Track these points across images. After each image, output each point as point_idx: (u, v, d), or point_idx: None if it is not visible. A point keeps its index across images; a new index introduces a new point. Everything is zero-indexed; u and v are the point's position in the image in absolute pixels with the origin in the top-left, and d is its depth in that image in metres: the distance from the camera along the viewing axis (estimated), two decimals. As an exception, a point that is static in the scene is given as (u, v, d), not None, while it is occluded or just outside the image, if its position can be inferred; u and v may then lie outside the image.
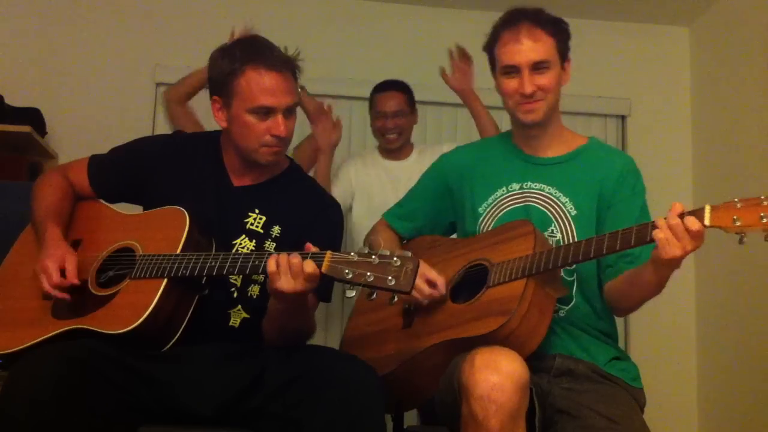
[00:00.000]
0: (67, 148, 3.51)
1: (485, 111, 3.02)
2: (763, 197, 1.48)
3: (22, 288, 1.88)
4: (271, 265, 1.59)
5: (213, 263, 1.70)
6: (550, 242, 1.85)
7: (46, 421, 1.50)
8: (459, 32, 4.09)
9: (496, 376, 1.53)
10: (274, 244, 1.87)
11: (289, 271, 1.58)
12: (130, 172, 1.97)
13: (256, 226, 1.88)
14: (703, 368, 3.92)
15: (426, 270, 1.79)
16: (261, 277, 1.84)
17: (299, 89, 2.22)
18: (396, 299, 1.91)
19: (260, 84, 1.79)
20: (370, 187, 3.17)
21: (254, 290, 1.86)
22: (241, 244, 1.86)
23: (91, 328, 1.70)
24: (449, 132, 4.01)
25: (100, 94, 3.79)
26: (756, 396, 3.38)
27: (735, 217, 1.49)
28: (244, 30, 2.76)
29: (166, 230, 1.81)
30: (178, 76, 3.81)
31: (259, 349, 1.80)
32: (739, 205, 1.50)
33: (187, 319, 1.74)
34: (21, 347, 1.74)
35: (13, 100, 3.44)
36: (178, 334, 1.74)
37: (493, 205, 1.96)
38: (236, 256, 1.70)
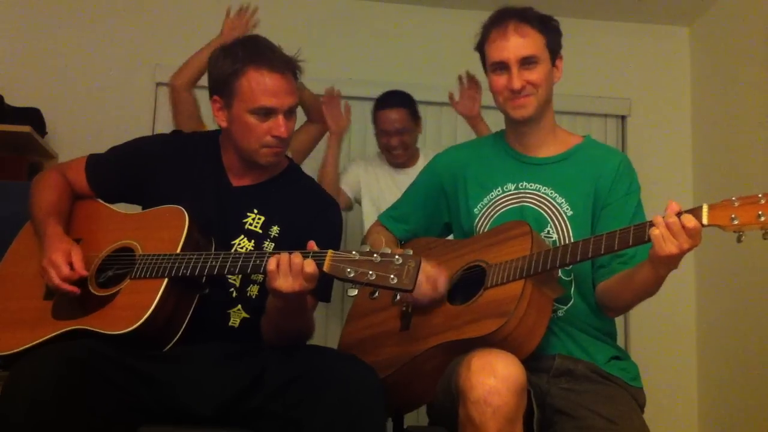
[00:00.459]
0: (67, 148, 3.51)
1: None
2: (760, 195, 1.48)
3: (22, 288, 1.88)
4: (271, 264, 1.59)
5: (214, 263, 1.70)
6: (547, 243, 1.85)
7: (46, 421, 1.50)
8: (459, 32, 4.09)
9: (493, 379, 1.53)
10: (273, 244, 1.87)
11: (289, 270, 1.58)
12: (129, 171, 1.97)
13: (255, 227, 1.88)
14: (703, 368, 3.92)
15: (427, 269, 1.79)
16: (260, 277, 1.84)
17: (301, 85, 2.22)
18: (398, 298, 1.91)
19: (262, 85, 1.79)
20: (380, 196, 3.19)
21: (253, 290, 1.86)
22: (239, 244, 1.86)
23: (91, 328, 1.70)
24: (449, 132, 4.01)
25: (100, 94, 3.79)
26: (756, 396, 3.38)
27: (733, 215, 1.49)
28: (240, 10, 2.84)
29: (165, 230, 1.81)
30: (178, 77, 3.83)
31: (259, 349, 1.80)
32: (736, 204, 1.50)
33: (187, 319, 1.74)
34: (21, 348, 1.73)
35: (13, 100, 3.44)
36: (179, 334, 1.74)
37: (488, 205, 1.96)
38: (237, 255, 1.70)
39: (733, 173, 3.69)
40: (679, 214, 1.55)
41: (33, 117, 3.43)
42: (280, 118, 1.82)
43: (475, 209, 1.97)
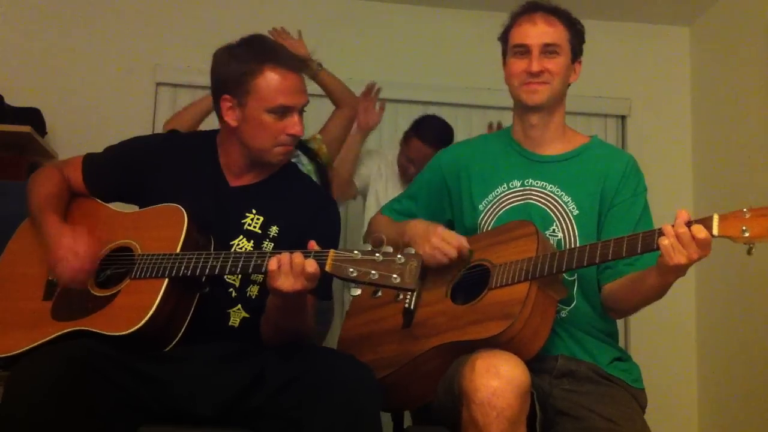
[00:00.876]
0: (67, 148, 3.50)
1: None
2: None
3: (20, 288, 1.87)
4: (273, 264, 1.59)
5: (214, 263, 1.69)
6: (552, 241, 1.85)
7: (47, 421, 1.50)
8: (459, 32, 4.11)
9: (497, 381, 1.52)
10: (272, 244, 1.86)
11: (290, 270, 1.58)
12: (125, 171, 1.96)
13: (254, 227, 1.88)
14: (703, 368, 3.92)
15: (446, 235, 1.82)
16: (260, 277, 1.83)
17: (319, 66, 2.20)
18: (401, 296, 1.90)
19: (279, 84, 1.80)
20: (386, 199, 3.20)
21: (253, 290, 1.86)
22: (239, 244, 1.85)
23: (92, 329, 1.69)
24: (449, 132, 4.01)
25: (100, 94, 3.80)
26: (756, 396, 3.38)
27: (744, 227, 1.48)
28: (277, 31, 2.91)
29: (164, 229, 1.80)
30: (178, 76, 3.84)
31: (259, 349, 1.79)
32: (747, 215, 1.48)
33: (188, 319, 1.74)
34: (21, 350, 1.73)
35: (13, 100, 3.44)
36: (180, 334, 1.73)
37: (493, 202, 1.95)
38: (237, 255, 1.70)
39: (733, 173, 3.69)
40: (688, 224, 1.53)
41: (33, 117, 3.43)
42: (296, 116, 1.83)
43: (480, 205, 1.96)
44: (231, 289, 1.84)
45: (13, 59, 3.73)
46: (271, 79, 1.80)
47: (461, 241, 1.83)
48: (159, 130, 3.66)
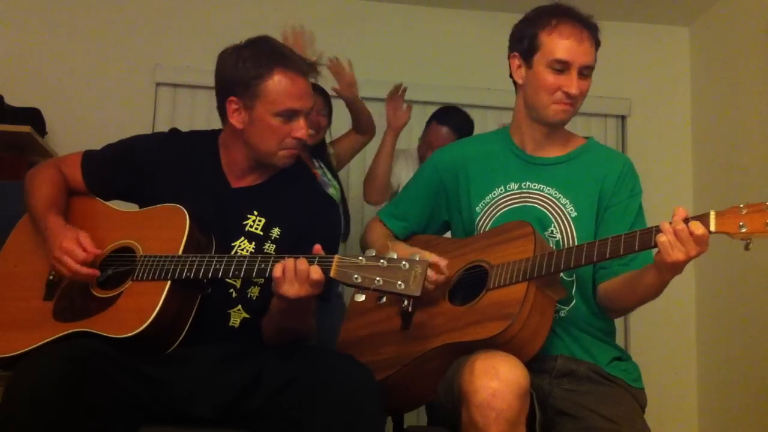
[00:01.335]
0: (67, 148, 3.47)
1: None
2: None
3: (20, 288, 1.86)
4: (277, 270, 1.60)
5: (218, 266, 1.69)
6: (550, 243, 1.85)
7: (47, 421, 1.50)
8: (459, 32, 4.11)
9: (496, 382, 1.52)
10: (274, 245, 1.86)
11: (294, 277, 1.58)
12: (125, 169, 1.95)
13: (256, 228, 1.87)
14: (703, 368, 3.92)
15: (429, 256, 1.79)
16: (261, 279, 1.83)
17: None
18: (406, 303, 1.90)
19: (289, 87, 1.80)
20: None
21: (254, 291, 1.86)
22: (240, 246, 1.85)
23: (95, 331, 1.69)
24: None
25: (100, 94, 3.80)
26: (756, 396, 3.38)
27: (741, 223, 1.48)
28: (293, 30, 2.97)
29: (165, 229, 1.80)
30: (178, 76, 3.84)
31: (258, 350, 1.79)
32: (744, 211, 1.49)
33: (190, 320, 1.74)
34: (22, 351, 1.72)
35: (13, 100, 3.44)
36: (182, 335, 1.73)
37: (490, 204, 1.94)
38: (241, 259, 1.69)
39: (733, 173, 3.69)
40: (686, 221, 1.54)
41: (33, 117, 3.43)
42: (302, 120, 1.83)
43: (477, 207, 1.96)
44: (231, 290, 1.84)
45: (13, 59, 3.73)
46: (280, 82, 1.80)
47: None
48: (159, 130, 3.66)
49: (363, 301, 2.02)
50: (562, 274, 1.83)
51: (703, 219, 1.53)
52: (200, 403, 1.71)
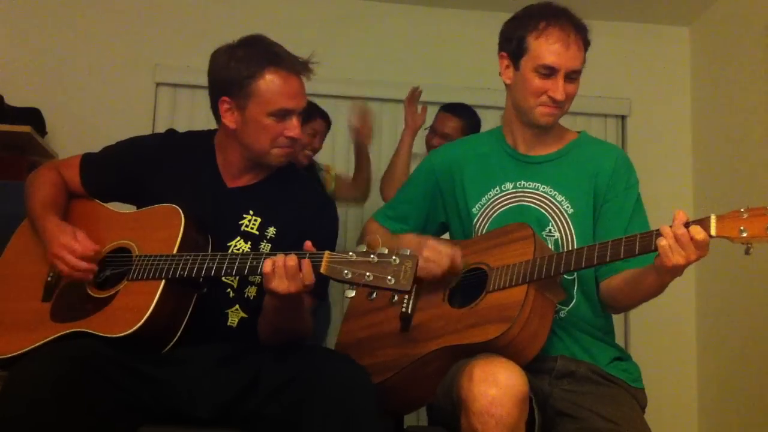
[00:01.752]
0: (67, 148, 3.50)
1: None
2: None
3: (19, 289, 1.87)
4: (267, 266, 1.59)
5: (210, 264, 1.69)
6: (549, 241, 1.85)
7: (46, 421, 1.49)
8: (459, 32, 4.11)
9: (495, 389, 1.52)
10: (270, 245, 1.86)
11: (284, 273, 1.58)
12: (123, 171, 1.96)
13: (251, 228, 1.87)
14: (703, 368, 3.92)
15: (441, 246, 1.80)
16: (258, 278, 1.83)
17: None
18: (396, 298, 1.90)
19: (281, 87, 1.80)
20: None
21: (251, 291, 1.86)
22: (236, 245, 1.85)
23: (90, 331, 1.69)
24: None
25: (100, 94, 3.79)
26: (756, 396, 3.38)
27: (741, 227, 1.48)
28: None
29: (161, 229, 1.80)
30: (178, 76, 3.84)
31: (256, 351, 1.79)
32: (745, 215, 1.48)
33: (186, 319, 1.74)
34: (20, 352, 1.72)
35: (13, 100, 3.44)
36: (178, 334, 1.73)
37: (486, 205, 1.94)
38: (233, 256, 1.69)
39: (733, 173, 3.69)
40: (687, 225, 1.53)
41: (33, 117, 3.43)
42: (294, 119, 1.83)
43: (474, 209, 1.96)
44: (229, 290, 1.84)
45: (13, 59, 3.73)
46: (272, 82, 1.79)
47: (453, 251, 1.81)
48: (159, 130, 3.67)
49: (362, 303, 2.02)
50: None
51: (704, 223, 1.53)
52: (200, 403, 1.71)
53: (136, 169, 1.94)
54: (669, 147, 4.11)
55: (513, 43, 1.89)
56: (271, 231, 1.88)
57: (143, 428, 1.67)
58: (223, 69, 1.84)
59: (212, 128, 2.01)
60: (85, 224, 1.89)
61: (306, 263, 1.57)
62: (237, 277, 1.83)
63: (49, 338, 1.72)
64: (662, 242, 1.54)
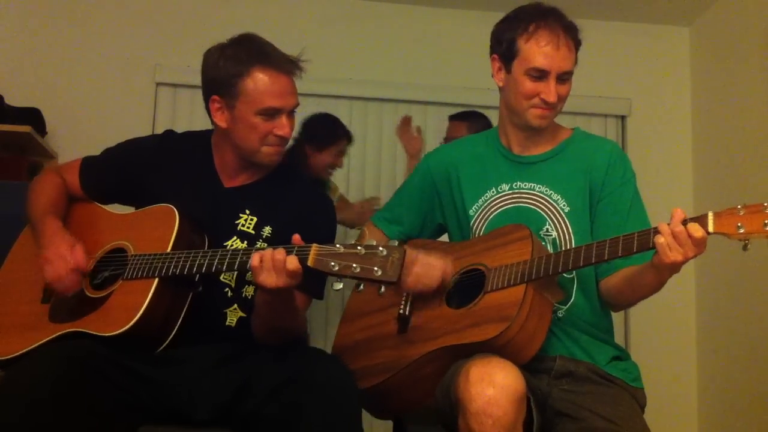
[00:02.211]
0: (67, 148, 3.51)
1: None
2: (766, 204, 1.47)
3: (20, 292, 1.88)
4: (255, 260, 1.59)
5: (202, 261, 1.69)
6: (547, 241, 1.85)
7: (44, 422, 1.49)
8: (459, 32, 4.11)
9: (492, 389, 1.52)
10: (266, 244, 1.86)
11: (272, 267, 1.57)
12: (121, 173, 1.97)
13: (248, 227, 1.87)
14: (703, 367, 3.92)
15: (431, 259, 1.79)
16: (256, 277, 1.83)
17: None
18: (383, 290, 1.88)
19: (269, 86, 1.79)
20: None
21: (249, 290, 1.86)
22: (232, 245, 1.85)
23: (86, 330, 1.70)
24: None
25: (100, 94, 3.80)
26: (756, 396, 3.38)
27: (739, 224, 1.49)
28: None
29: (156, 229, 1.81)
30: (178, 76, 3.84)
31: (252, 352, 1.78)
32: (742, 212, 1.49)
33: (182, 317, 1.74)
34: (19, 353, 1.73)
35: (13, 100, 3.44)
36: (174, 332, 1.73)
37: (483, 206, 1.94)
38: (224, 252, 1.69)
39: (733, 173, 3.69)
40: (684, 222, 1.54)
41: (33, 117, 3.43)
42: (284, 117, 1.82)
43: (471, 210, 1.96)
44: (227, 289, 1.84)
45: (13, 59, 3.74)
46: (259, 80, 1.79)
47: (445, 263, 1.78)
48: (159, 130, 3.65)
49: (359, 305, 2.02)
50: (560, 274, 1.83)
51: (702, 220, 1.53)
52: (199, 403, 1.71)
53: (135, 170, 1.95)
54: (669, 147, 4.11)
55: (503, 46, 1.89)
56: (267, 230, 1.88)
57: (143, 428, 1.67)
58: (213, 68, 1.84)
59: (211, 128, 2.01)
60: (84, 226, 1.90)
61: (292, 258, 1.56)
62: (235, 276, 1.84)
63: (47, 339, 1.73)
64: (660, 240, 1.55)
